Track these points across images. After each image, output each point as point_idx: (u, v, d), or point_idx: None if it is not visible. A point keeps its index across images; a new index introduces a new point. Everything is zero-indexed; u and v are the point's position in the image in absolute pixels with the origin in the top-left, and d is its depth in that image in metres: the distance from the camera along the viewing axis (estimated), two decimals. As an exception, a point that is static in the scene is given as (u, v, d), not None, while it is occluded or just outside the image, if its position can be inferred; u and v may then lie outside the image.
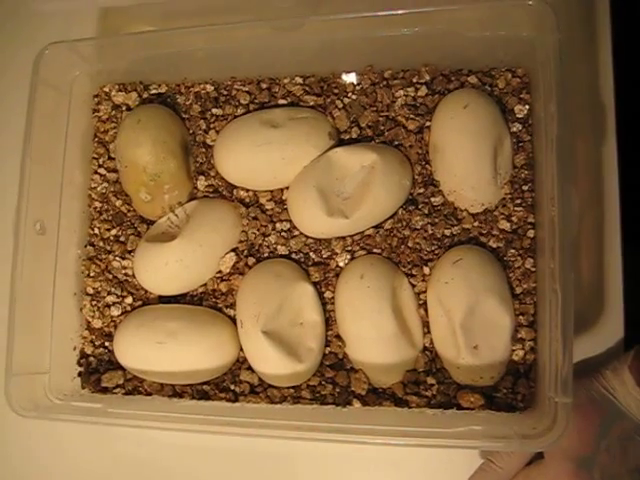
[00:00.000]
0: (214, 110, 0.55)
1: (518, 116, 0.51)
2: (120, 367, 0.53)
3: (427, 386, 0.49)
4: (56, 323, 0.52)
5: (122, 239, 0.56)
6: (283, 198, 0.53)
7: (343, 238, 0.51)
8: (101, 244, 0.56)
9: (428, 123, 0.52)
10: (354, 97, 0.53)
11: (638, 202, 0.54)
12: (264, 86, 0.55)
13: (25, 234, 0.50)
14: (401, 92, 0.52)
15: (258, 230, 0.53)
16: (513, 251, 0.49)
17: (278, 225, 0.53)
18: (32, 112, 0.51)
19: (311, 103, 0.54)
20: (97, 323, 0.55)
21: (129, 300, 0.55)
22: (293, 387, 0.50)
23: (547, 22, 0.44)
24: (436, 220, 0.51)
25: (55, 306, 0.53)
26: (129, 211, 0.56)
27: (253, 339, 0.49)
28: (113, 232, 0.56)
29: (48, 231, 0.52)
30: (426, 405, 0.48)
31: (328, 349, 0.51)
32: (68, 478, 0.58)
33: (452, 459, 0.52)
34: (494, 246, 0.50)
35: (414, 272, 0.50)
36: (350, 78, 0.54)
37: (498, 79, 0.52)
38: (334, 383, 0.50)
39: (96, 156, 0.57)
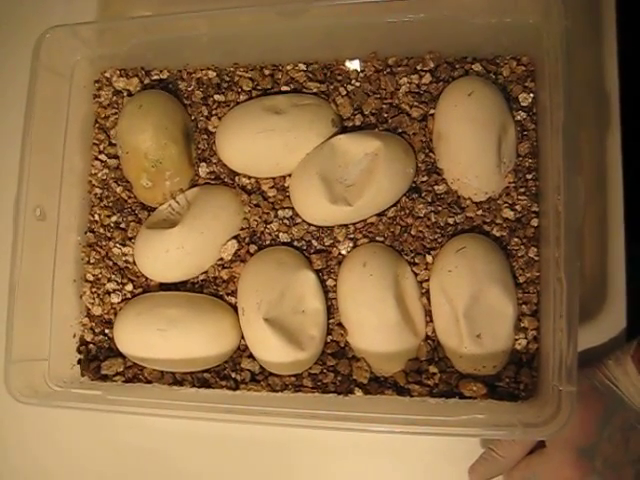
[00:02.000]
0: (216, 96, 0.55)
1: (522, 104, 0.51)
2: (120, 354, 0.53)
3: (429, 375, 0.49)
4: (56, 310, 0.52)
5: (122, 226, 0.55)
6: (285, 185, 0.53)
7: (346, 226, 0.51)
8: (101, 231, 0.55)
9: (432, 111, 0.51)
10: (357, 84, 0.53)
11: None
12: (267, 72, 0.54)
13: (25, 220, 0.49)
14: (405, 79, 0.52)
15: (260, 217, 0.53)
16: (516, 240, 0.49)
17: (280, 212, 0.52)
18: (32, 97, 0.50)
19: (314, 90, 0.54)
20: (97, 310, 0.55)
21: (129, 287, 0.54)
22: (294, 375, 0.50)
23: (554, 9, 0.44)
24: (439, 208, 0.50)
25: (55, 293, 0.52)
26: (130, 197, 0.56)
27: (254, 327, 0.49)
28: (113, 219, 0.55)
29: (48, 217, 0.52)
30: (428, 394, 0.48)
31: (330, 337, 0.51)
32: (67, 466, 0.58)
33: (452, 448, 0.52)
34: (497, 235, 0.50)
35: (417, 260, 0.50)
36: (354, 65, 0.53)
37: (503, 67, 0.51)
38: (336, 371, 0.50)
39: (97, 142, 0.57)
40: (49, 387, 0.50)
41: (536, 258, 0.49)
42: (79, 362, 0.54)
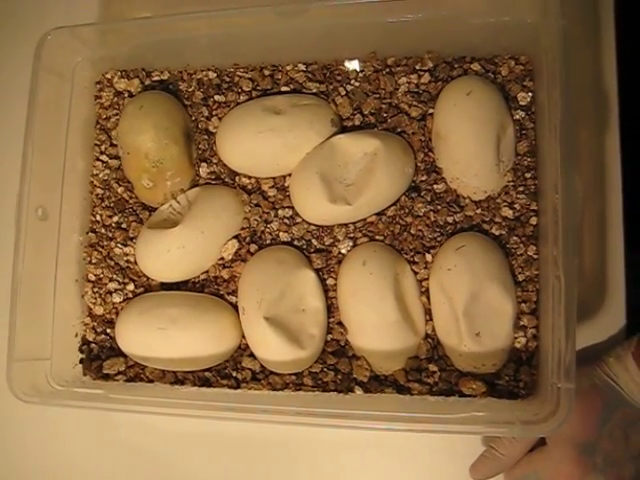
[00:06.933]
0: (216, 97, 0.55)
1: (521, 103, 0.51)
2: (122, 354, 0.53)
3: (429, 373, 0.49)
4: (58, 310, 0.52)
5: (124, 226, 0.55)
6: (285, 185, 0.53)
7: (345, 225, 0.51)
8: (103, 231, 0.56)
9: (431, 110, 0.52)
10: (357, 84, 0.53)
11: (640, 191, 0.54)
12: (267, 73, 0.55)
13: (27, 220, 0.50)
14: (404, 79, 0.52)
15: (260, 217, 0.53)
16: (515, 238, 0.49)
17: (280, 212, 0.53)
18: (34, 98, 0.51)
19: (314, 90, 0.54)
20: (99, 310, 0.55)
21: (131, 287, 0.55)
22: (295, 374, 0.50)
23: (552, 8, 0.44)
24: (438, 207, 0.51)
25: (57, 293, 0.53)
26: (131, 198, 0.56)
27: (255, 325, 0.49)
28: (115, 219, 0.56)
29: (50, 218, 0.52)
30: (428, 392, 0.49)
31: (330, 336, 0.51)
32: (68, 465, 0.58)
33: (453, 446, 0.52)
34: (497, 233, 0.50)
35: (416, 259, 0.50)
36: (353, 65, 0.54)
37: (501, 66, 0.51)
38: (336, 370, 0.50)
39: (98, 143, 0.57)
40: (51, 386, 0.51)
41: (535, 256, 0.49)
42: (81, 361, 0.55)
